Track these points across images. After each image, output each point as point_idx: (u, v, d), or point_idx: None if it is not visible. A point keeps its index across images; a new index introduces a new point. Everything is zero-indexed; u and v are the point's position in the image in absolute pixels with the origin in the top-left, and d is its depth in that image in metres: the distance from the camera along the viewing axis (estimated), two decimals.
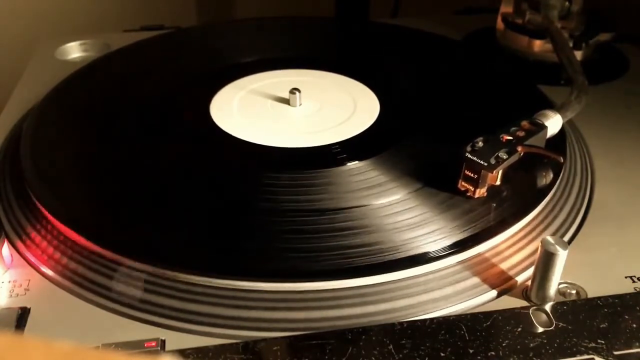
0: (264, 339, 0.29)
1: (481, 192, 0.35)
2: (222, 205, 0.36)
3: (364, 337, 0.29)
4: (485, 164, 0.35)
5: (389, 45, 0.58)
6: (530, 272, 0.33)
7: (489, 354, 0.28)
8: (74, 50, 0.61)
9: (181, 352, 0.28)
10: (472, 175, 0.35)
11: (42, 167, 0.39)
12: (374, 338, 0.29)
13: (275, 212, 0.35)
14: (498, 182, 0.36)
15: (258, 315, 0.31)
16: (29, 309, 0.31)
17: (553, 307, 0.30)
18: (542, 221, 0.36)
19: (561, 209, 0.38)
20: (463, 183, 0.36)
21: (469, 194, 0.36)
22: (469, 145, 0.36)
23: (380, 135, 0.43)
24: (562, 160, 0.38)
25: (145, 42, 0.57)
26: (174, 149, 0.41)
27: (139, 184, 0.38)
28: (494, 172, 0.35)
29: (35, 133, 0.43)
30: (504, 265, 0.34)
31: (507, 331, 0.29)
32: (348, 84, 0.49)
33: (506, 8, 0.59)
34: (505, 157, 0.35)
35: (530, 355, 0.28)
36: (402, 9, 0.79)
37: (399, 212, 0.35)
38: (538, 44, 0.56)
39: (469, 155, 0.35)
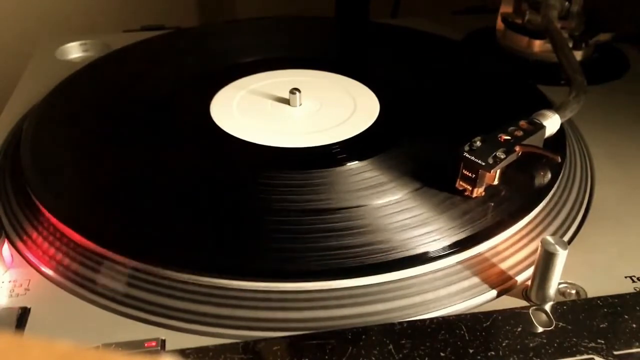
0: (264, 339, 0.29)
1: (479, 191, 0.36)
2: (222, 205, 0.36)
3: (364, 337, 0.29)
4: (483, 164, 0.35)
5: (389, 45, 0.58)
6: (530, 272, 0.33)
7: (489, 354, 0.28)
8: (74, 50, 0.61)
9: (181, 352, 0.28)
10: (470, 174, 0.35)
11: (43, 167, 0.39)
12: (374, 338, 0.29)
13: (275, 212, 0.35)
14: (496, 182, 0.36)
15: (258, 315, 0.31)
16: (29, 309, 0.31)
17: (553, 307, 0.30)
18: (541, 221, 0.37)
19: (561, 209, 0.38)
20: (461, 182, 0.36)
21: (466, 193, 0.36)
22: (466, 145, 0.36)
23: (380, 135, 0.43)
24: (559, 160, 0.38)
25: (145, 42, 0.57)
26: (174, 149, 0.41)
27: (139, 184, 0.38)
28: (492, 171, 0.35)
29: (35, 133, 0.43)
30: (503, 265, 0.34)
31: (507, 331, 0.29)
32: (348, 84, 0.49)
33: (506, 8, 0.59)
34: (503, 156, 0.35)
35: (530, 355, 0.28)
36: (402, 9, 0.79)
37: (398, 212, 0.35)
38: (538, 44, 0.56)
39: (467, 155, 0.35)
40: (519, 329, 0.29)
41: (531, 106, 0.40)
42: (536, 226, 0.36)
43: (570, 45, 0.53)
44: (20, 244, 0.36)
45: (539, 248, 0.31)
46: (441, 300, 0.32)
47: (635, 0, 0.57)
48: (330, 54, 0.57)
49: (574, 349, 0.28)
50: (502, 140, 0.36)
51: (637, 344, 0.28)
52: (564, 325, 0.29)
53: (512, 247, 0.35)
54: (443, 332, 0.29)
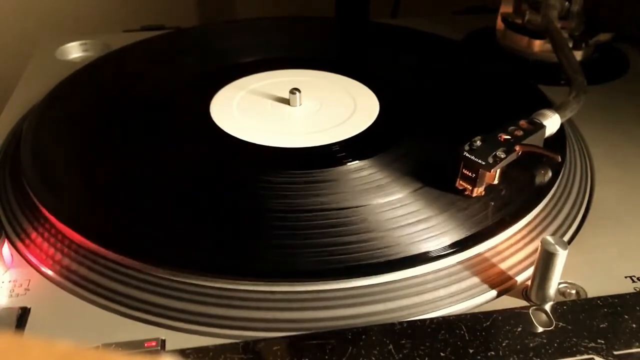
0: (264, 339, 0.29)
1: (479, 191, 0.36)
2: (222, 206, 0.36)
3: (364, 337, 0.29)
4: (483, 163, 0.35)
5: (389, 45, 0.58)
6: (530, 272, 0.33)
7: (489, 354, 0.28)
8: (74, 50, 0.61)
9: (181, 352, 0.28)
10: (470, 174, 0.35)
11: (42, 167, 0.39)
12: (374, 338, 0.29)
13: (275, 212, 0.35)
14: (496, 181, 0.36)
15: (258, 315, 0.31)
16: (29, 309, 0.31)
17: (553, 307, 0.30)
18: (542, 221, 0.37)
19: (561, 209, 0.38)
20: (461, 182, 0.36)
21: (466, 192, 0.36)
22: (466, 145, 0.36)
23: (380, 135, 0.43)
24: (559, 160, 0.38)
25: (145, 42, 0.57)
26: (174, 149, 0.41)
27: (139, 184, 0.38)
28: (492, 171, 0.35)
29: (36, 133, 0.43)
30: (503, 265, 0.34)
31: (507, 331, 0.29)
32: (348, 84, 0.49)
33: (506, 8, 0.59)
34: (503, 156, 0.35)
35: (530, 355, 0.28)
36: (402, 9, 0.79)
37: (398, 211, 0.35)
38: (538, 44, 0.56)
39: (467, 154, 0.35)
40: (519, 329, 0.29)
41: (531, 106, 0.40)
42: (536, 226, 0.36)
43: (570, 45, 0.53)
44: (20, 244, 0.36)
45: (539, 248, 0.31)
46: (441, 300, 0.32)
47: (635, 0, 0.57)
48: (330, 54, 0.57)
49: (574, 349, 0.28)
50: (502, 139, 0.36)
51: (637, 344, 0.28)
52: (564, 325, 0.29)
53: (512, 247, 0.35)
54: (443, 332, 0.29)
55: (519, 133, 0.37)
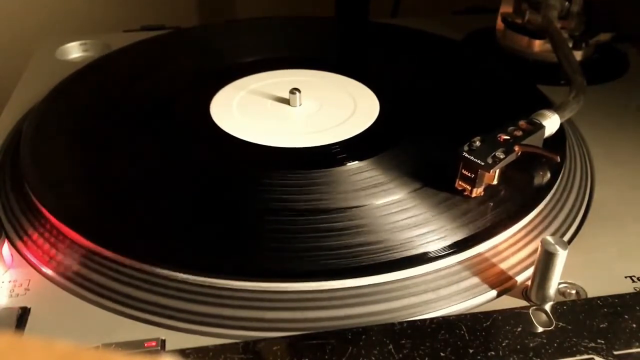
0: (264, 339, 0.29)
1: (478, 191, 0.36)
2: (222, 206, 0.36)
3: (364, 337, 0.29)
4: (482, 164, 0.35)
5: (389, 45, 0.58)
6: (530, 272, 0.33)
7: (489, 354, 0.28)
8: (74, 50, 0.61)
9: (181, 352, 0.28)
10: (469, 174, 0.35)
11: (42, 167, 0.39)
12: (374, 338, 0.29)
13: (275, 212, 0.35)
14: (495, 182, 0.36)
15: (258, 315, 0.31)
16: (29, 309, 0.31)
17: (553, 307, 0.30)
18: (541, 221, 0.37)
19: (561, 209, 0.38)
20: (460, 182, 0.36)
21: (466, 193, 0.36)
22: (466, 145, 0.36)
23: (380, 135, 0.43)
24: (558, 160, 0.38)
25: (145, 42, 0.57)
26: (174, 149, 0.41)
27: (139, 184, 0.38)
28: (491, 171, 0.35)
29: (35, 133, 0.43)
30: (503, 265, 0.34)
31: (507, 331, 0.29)
32: (348, 84, 0.49)
33: (506, 8, 0.59)
34: (502, 156, 0.35)
35: (530, 355, 0.28)
36: (402, 9, 0.79)
37: (398, 212, 0.35)
38: (538, 44, 0.56)
39: (466, 155, 0.35)
40: (519, 329, 0.29)
41: (531, 106, 0.40)
42: (536, 226, 0.36)
43: (570, 45, 0.53)
44: (20, 244, 0.36)
45: (539, 248, 0.31)
46: (441, 300, 0.32)
47: (635, 0, 0.57)
48: (330, 54, 0.57)
49: (574, 349, 0.28)
50: (501, 140, 0.36)
51: (637, 344, 0.28)
52: (564, 325, 0.29)
53: (512, 247, 0.35)
54: (443, 332, 0.29)
55: (519, 133, 0.37)
